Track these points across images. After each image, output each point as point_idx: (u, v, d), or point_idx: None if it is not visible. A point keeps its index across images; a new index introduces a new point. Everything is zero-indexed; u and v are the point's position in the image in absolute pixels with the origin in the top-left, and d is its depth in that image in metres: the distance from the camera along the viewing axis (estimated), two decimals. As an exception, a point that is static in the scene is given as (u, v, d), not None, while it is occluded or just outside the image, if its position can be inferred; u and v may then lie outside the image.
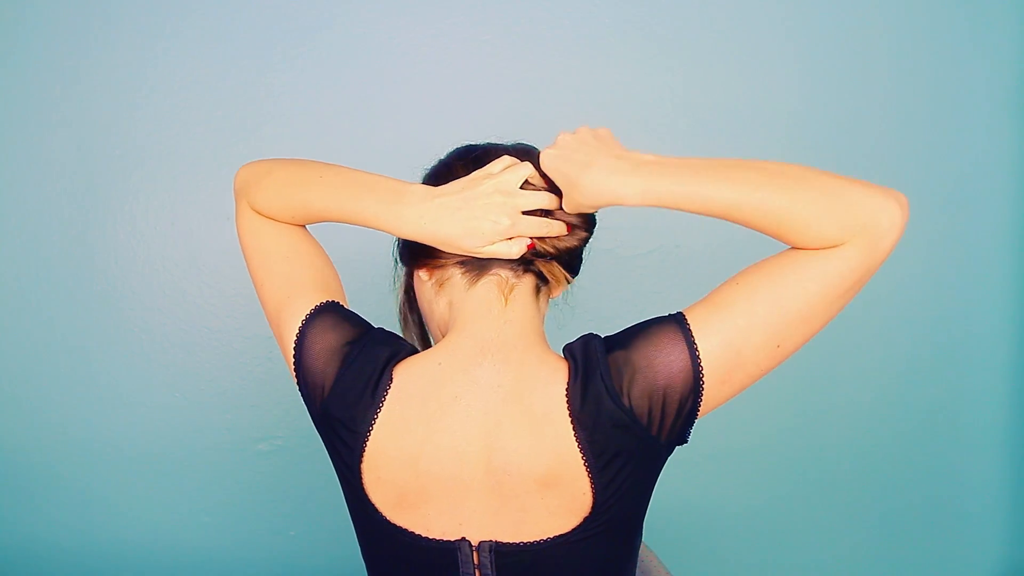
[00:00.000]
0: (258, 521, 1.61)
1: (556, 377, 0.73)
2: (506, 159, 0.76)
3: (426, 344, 0.93)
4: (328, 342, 0.76)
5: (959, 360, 1.68)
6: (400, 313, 0.93)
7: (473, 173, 0.75)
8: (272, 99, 1.54)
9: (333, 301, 0.79)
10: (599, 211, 0.78)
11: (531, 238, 0.75)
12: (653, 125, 1.58)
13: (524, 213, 0.74)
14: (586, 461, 0.71)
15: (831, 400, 1.66)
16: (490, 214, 0.72)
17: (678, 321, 0.71)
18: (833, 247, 0.68)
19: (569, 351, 0.75)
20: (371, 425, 0.73)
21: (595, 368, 0.71)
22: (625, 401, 0.70)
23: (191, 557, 1.61)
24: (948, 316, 1.66)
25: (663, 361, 0.70)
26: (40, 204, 1.54)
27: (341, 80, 1.54)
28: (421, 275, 0.83)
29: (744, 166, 0.69)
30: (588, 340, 0.74)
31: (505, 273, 0.78)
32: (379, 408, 0.73)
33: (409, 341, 0.90)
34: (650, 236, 1.59)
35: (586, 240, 0.80)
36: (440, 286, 0.81)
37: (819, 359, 1.64)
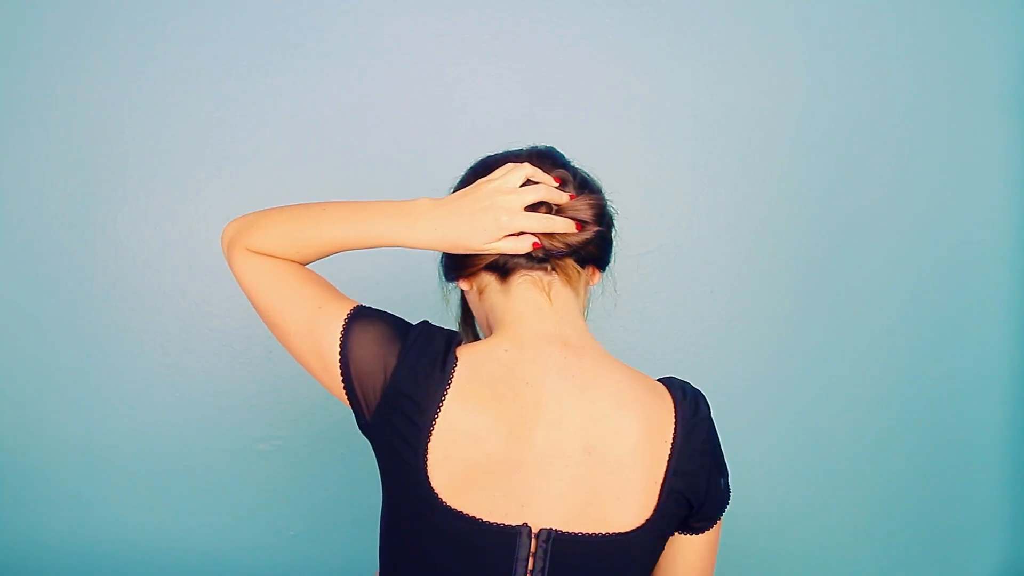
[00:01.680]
0: (258, 521, 1.61)
1: (656, 387, 0.83)
2: (509, 165, 0.81)
3: None
4: (380, 331, 0.78)
5: (959, 360, 1.68)
6: (459, 327, 0.98)
7: (478, 180, 0.81)
8: (272, 99, 1.54)
9: (365, 305, 0.82)
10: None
11: (537, 234, 0.79)
12: (654, 125, 1.58)
13: (528, 210, 0.79)
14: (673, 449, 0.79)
15: (830, 401, 1.66)
16: (491, 211, 0.78)
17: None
18: None
19: (680, 388, 0.84)
20: (441, 401, 0.76)
21: (702, 427, 0.82)
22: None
23: (191, 557, 1.61)
24: (948, 317, 1.66)
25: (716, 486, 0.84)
26: (40, 204, 1.54)
27: (341, 80, 1.54)
28: (463, 286, 0.89)
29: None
30: (710, 419, 0.85)
31: (536, 273, 0.82)
32: (448, 384, 0.76)
33: None
34: (650, 236, 1.59)
35: (600, 235, 0.84)
36: (481, 293, 0.86)
37: (819, 359, 1.65)
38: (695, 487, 0.80)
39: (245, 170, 1.55)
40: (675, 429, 0.79)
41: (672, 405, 0.81)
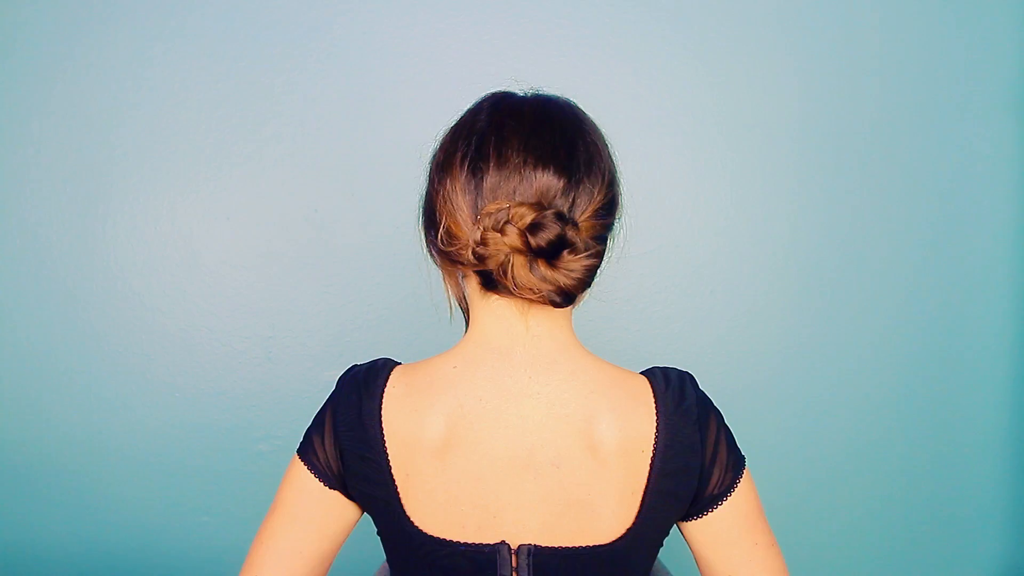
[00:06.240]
0: (258, 521, 1.60)
1: (637, 388, 0.76)
2: None
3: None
4: (322, 446, 0.80)
5: (959, 360, 1.68)
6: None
7: None
8: (272, 99, 1.54)
9: (301, 447, 0.82)
10: None
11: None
12: (654, 125, 1.58)
13: None
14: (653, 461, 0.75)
15: (830, 400, 1.66)
16: None
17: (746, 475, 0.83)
18: None
19: (662, 378, 0.78)
20: (389, 466, 0.76)
21: (690, 415, 0.77)
22: (708, 461, 0.78)
23: (191, 557, 1.61)
24: (948, 316, 1.66)
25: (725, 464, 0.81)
26: (40, 204, 1.54)
27: (341, 80, 1.54)
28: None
29: None
30: (701, 395, 0.80)
31: (520, 301, 0.75)
32: (386, 456, 0.75)
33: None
34: (650, 236, 1.59)
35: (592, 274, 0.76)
36: (465, 277, 0.80)
37: (819, 359, 1.64)
38: (686, 483, 0.77)
39: (245, 170, 1.55)
40: (657, 432, 0.75)
41: (653, 403, 0.75)
